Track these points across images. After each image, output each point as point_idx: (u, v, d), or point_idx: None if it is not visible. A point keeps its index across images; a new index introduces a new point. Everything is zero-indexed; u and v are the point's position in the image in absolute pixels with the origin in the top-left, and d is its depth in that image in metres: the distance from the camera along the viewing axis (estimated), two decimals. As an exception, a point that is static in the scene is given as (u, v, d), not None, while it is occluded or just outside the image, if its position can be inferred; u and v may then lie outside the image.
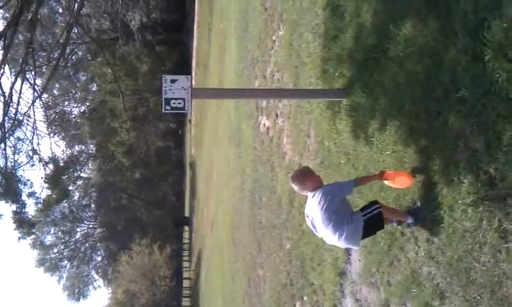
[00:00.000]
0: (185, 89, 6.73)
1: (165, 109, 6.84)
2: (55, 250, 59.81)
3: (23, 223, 23.61)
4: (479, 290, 4.13)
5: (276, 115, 11.30)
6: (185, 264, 50.84)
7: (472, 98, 4.27)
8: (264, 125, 12.47)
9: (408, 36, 5.35)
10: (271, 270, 10.94)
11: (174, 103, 6.75)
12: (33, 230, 34.38)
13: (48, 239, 57.44)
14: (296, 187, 5.44)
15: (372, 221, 5.09)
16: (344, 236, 5.03)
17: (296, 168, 5.36)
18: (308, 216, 5.41)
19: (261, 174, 12.49)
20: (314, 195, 5.20)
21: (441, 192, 4.67)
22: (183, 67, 40.99)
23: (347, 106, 6.76)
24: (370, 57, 6.19)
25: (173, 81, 6.76)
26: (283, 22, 11.11)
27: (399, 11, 5.61)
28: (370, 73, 6.16)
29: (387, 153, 5.63)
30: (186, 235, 54.25)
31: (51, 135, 18.62)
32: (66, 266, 62.64)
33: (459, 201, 4.39)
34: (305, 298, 8.43)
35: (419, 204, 5.08)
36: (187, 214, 55.69)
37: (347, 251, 6.76)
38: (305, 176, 5.38)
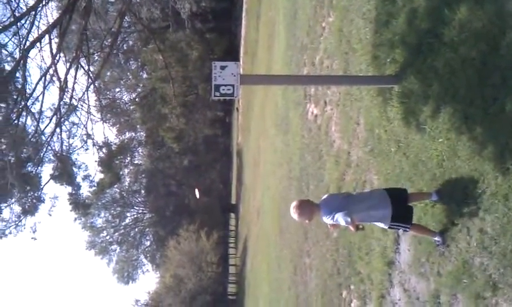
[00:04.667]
0: (234, 76, 6.77)
1: (214, 95, 6.91)
2: (105, 233, 61.63)
3: (78, 205, 24.42)
4: (534, 282, 4.01)
5: (325, 102, 11.21)
6: (232, 251, 51.34)
7: (530, 83, 4.13)
8: (312, 112, 12.39)
9: (463, 20, 5.20)
10: (318, 258, 10.92)
11: (223, 89, 6.82)
12: (88, 211, 35.54)
13: (99, 222, 59.25)
14: (302, 216, 5.56)
15: (395, 229, 5.73)
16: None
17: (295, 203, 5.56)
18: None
19: (308, 162, 12.45)
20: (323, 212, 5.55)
21: (496, 181, 4.54)
22: (231, 55, 41.14)
23: (399, 93, 6.63)
24: (424, 43, 6.05)
25: (222, 68, 6.82)
26: (333, 8, 10.98)
27: (454, -5, 5.46)
28: (424, 58, 6.02)
29: (440, 140, 5.51)
30: (232, 222, 54.74)
31: (104, 120, 19.14)
32: (116, 250, 64.42)
33: (515, 190, 4.27)
34: (352, 287, 8.38)
35: (441, 239, 5.38)
36: (233, 201, 56.16)
37: (396, 241, 6.68)
38: (308, 204, 5.66)
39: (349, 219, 5.27)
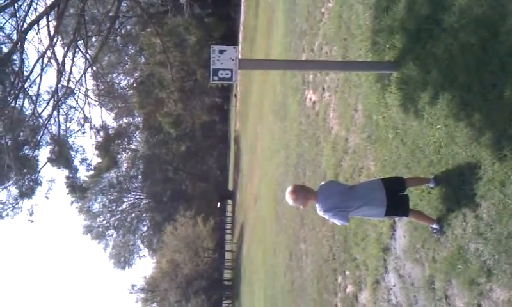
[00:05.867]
0: (233, 60, 6.74)
1: (212, 80, 6.87)
2: (102, 218, 61.72)
3: (75, 188, 24.43)
4: (528, 268, 4.03)
5: (323, 89, 11.18)
6: (228, 237, 51.54)
7: (529, 70, 4.12)
8: (310, 99, 12.37)
9: (463, 6, 5.18)
10: (314, 244, 10.96)
11: (222, 73, 6.78)
12: (85, 195, 35.53)
13: (96, 207, 59.34)
14: (297, 201, 5.55)
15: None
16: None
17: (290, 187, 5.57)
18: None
19: (306, 148, 12.45)
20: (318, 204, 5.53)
21: (493, 167, 4.54)
22: (230, 41, 40.92)
23: (398, 79, 6.61)
24: (423, 29, 6.02)
25: (221, 52, 6.77)
26: (333, -6, 10.92)
27: (455, -20, 5.42)
28: (423, 44, 5.99)
29: (438, 127, 5.50)
30: (229, 208, 54.89)
31: (102, 103, 19.08)
32: (112, 235, 64.59)
33: (511, 177, 4.27)
34: (347, 273, 8.41)
35: (439, 227, 5.38)
36: (230, 188, 56.25)
37: (392, 227, 6.69)
38: (303, 189, 5.66)
39: (346, 223, 5.60)
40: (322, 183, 5.80)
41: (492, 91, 4.60)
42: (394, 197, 5.43)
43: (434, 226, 5.42)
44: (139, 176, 61.91)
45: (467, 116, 4.99)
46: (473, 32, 4.93)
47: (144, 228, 67.56)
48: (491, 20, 4.67)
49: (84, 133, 19.10)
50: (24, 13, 13.01)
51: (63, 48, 14.63)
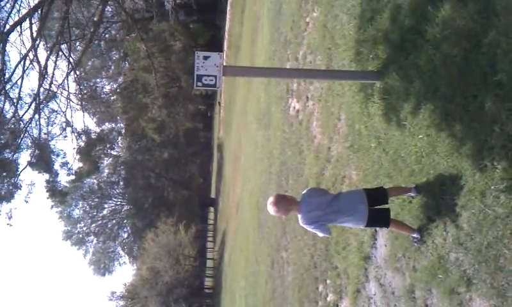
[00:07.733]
0: (217, 66, 6.73)
1: (196, 85, 6.86)
2: (82, 224, 61.06)
3: (55, 192, 24.10)
4: (507, 278, 4.06)
5: (307, 98, 11.22)
6: (210, 244, 51.35)
7: (510, 81, 4.17)
8: (294, 107, 12.40)
9: (446, 17, 5.23)
10: (295, 252, 10.95)
11: (206, 80, 6.77)
12: (66, 199, 35.09)
13: (76, 213, 58.73)
14: (278, 212, 5.51)
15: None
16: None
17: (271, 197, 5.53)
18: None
19: (289, 157, 12.47)
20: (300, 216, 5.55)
21: (474, 178, 4.58)
22: (215, 48, 40.93)
23: (381, 89, 6.66)
24: (407, 39, 6.07)
25: (205, 58, 6.77)
26: (317, 4, 10.99)
27: (438, -8, 5.48)
28: (406, 55, 6.04)
29: (419, 137, 5.55)
30: (211, 215, 54.72)
31: (84, 108, 18.93)
32: (92, 241, 63.92)
33: (492, 187, 4.31)
34: (328, 281, 8.42)
35: (419, 236, 5.41)
36: (213, 195, 56.09)
37: (373, 236, 6.71)
38: (285, 199, 5.58)
39: (328, 235, 5.79)
40: (305, 191, 5.78)
41: (473, 102, 4.65)
42: (376, 210, 5.46)
43: (414, 235, 5.45)
44: (121, 182, 61.38)
45: (449, 127, 5.04)
46: (456, 43, 4.99)
47: (125, 235, 66.97)
48: (474, 32, 4.73)
49: (65, 137, 18.97)
50: (6, 14, 12.89)
51: (46, 51, 14.50)
